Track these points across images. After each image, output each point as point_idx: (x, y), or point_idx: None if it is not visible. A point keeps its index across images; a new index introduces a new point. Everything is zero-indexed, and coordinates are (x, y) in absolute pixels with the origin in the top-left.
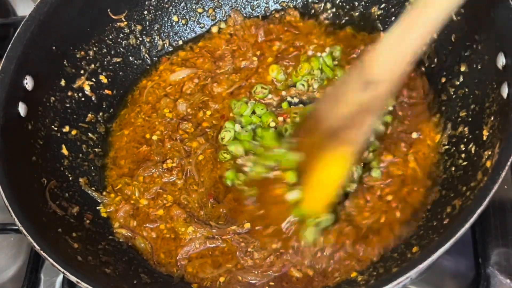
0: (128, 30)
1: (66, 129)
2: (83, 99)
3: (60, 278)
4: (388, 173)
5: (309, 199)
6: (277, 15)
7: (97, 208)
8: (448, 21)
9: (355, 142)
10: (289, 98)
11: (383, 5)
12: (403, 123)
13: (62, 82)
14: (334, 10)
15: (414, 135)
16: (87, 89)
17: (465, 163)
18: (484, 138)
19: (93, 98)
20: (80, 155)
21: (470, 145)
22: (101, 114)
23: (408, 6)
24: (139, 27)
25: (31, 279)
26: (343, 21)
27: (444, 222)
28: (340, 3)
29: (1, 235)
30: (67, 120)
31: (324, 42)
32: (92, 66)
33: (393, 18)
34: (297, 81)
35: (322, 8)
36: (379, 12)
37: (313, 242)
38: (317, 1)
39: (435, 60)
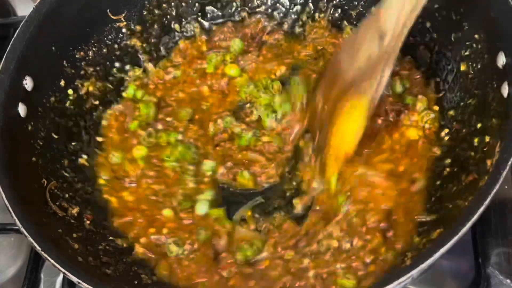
0: (128, 31)
1: None
2: (83, 99)
3: (60, 278)
4: None
5: (333, 149)
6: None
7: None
8: (448, 21)
9: (371, 92)
10: None
11: None
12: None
13: (62, 83)
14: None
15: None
16: (86, 89)
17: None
18: (484, 137)
19: (93, 99)
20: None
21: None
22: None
23: None
24: (138, 28)
25: (31, 279)
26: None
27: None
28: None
29: (1, 235)
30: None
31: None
32: (92, 66)
33: None
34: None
35: (325, 7)
36: None
37: None
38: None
39: (435, 59)
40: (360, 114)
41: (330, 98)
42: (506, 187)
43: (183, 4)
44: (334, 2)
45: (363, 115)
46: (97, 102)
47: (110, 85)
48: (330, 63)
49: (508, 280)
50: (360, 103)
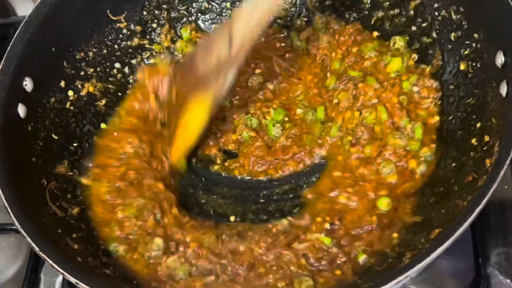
0: (128, 31)
1: None
2: (83, 99)
3: (60, 278)
4: None
5: (177, 143)
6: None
7: None
8: (447, 20)
9: (215, 91)
10: None
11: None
12: None
13: (62, 83)
14: None
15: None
16: (86, 90)
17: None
18: (483, 137)
19: (93, 99)
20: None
21: (469, 144)
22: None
23: None
24: (138, 28)
25: (31, 279)
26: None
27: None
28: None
29: (1, 235)
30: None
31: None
32: (92, 67)
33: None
34: None
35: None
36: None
37: None
38: None
39: (434, 59)
40: (203, 110)
41: (183, 90)
42: (506, 187)
43: (183, 5)
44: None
45: (205, 111)
46: (97, 103)
47: (111, 86)
48: (187, 56)
49: (508, 280)
50: (204, 99)
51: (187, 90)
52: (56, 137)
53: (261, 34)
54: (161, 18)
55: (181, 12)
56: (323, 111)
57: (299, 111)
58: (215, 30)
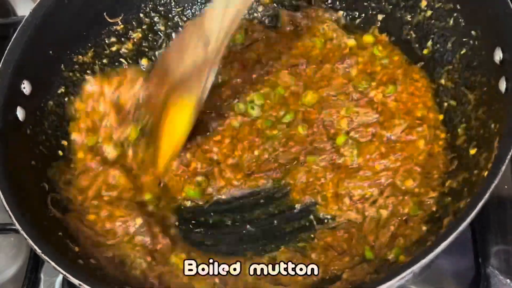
0: (125, 34)
1: None
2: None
3: (60, 278)
4: None
5: (165, 141)
6: None
7: None
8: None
9: (198, 93)
10: None
11: None
12: None
13: (60, 87)
14: None
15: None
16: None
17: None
18: (484, 134)
19: None
20: None
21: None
22: None
23: None
24: (135, 31)
25: (31, 279)
26: None
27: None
28: None
29: (1, 235)
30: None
31: None
32: (89, 69)
33: None
34: None
35: None
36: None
37: None
38: None
39: (432, 57)
40: (188, 112)
41: (162, 92)
42: (506, 187)
43: (179, 7)
44: None
45: (191, 113)
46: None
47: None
48: (160, 59)
49: (508, 280)
50: (188, 102)
51: (165, 95)
52: (54, 141)
53: (236, 29)
54: (157, 21)
55: (177, 15)
56: (282, 90)
57: (265, 89)
58: (186, 28)
